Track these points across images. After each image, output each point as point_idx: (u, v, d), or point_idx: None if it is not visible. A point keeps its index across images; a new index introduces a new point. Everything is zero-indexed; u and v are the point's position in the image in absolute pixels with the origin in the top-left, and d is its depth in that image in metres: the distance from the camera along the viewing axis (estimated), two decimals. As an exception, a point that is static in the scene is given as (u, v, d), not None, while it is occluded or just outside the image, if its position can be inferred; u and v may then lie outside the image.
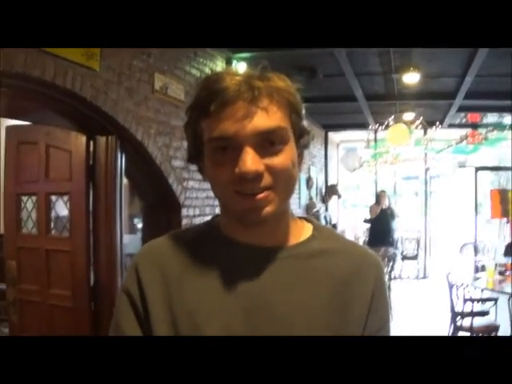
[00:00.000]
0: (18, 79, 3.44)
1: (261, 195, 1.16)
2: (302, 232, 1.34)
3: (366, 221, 12.09)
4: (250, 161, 1.13)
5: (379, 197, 11.66)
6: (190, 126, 1.24)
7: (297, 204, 11.10)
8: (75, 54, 3.84)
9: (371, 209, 11.52)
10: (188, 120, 1.25)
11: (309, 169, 12.14)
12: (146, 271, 1.28)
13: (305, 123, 1.28)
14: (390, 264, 9.07)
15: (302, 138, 1.27)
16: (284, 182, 1.19)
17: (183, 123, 1.27)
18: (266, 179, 1.16)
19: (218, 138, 1.16)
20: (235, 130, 1.14)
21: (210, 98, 1.15)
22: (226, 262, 1.26)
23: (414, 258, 13.23)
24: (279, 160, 1.17)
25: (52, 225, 4.95)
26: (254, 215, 1.18)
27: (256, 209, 1.17)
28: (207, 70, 6.25)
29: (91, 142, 4.65)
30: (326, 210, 13.12)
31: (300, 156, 1.29)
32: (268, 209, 1.17)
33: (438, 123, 11.53)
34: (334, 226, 11.87)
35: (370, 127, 12.08)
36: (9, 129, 5.17)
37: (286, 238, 1.30)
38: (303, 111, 1.26)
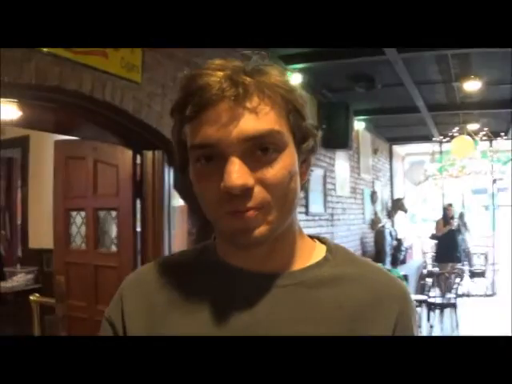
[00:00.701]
0: (54, 92, 3.41)
1: (251, 212, 0.96)
2: (311, 254, 1.13)
3: (432, 237, 11.79)
4: (236, 173, 0.93)
5: (446, 210, 11.38)
6: (175, 131, 1.05)
7: (361, 219, 10.90)
8: (114, 66, 3.80)
9: (437, 224, 11.24)
10: (173, 124, 1.06)
11: (373, 183, 11.93)
12: (131, 301, 1.14)
13: (309, 124, 1.06)
14: (457, 280, 8.76)
15: (305, 143, 1.05)
16: (281, 197, 0.99)
17: None
18: (259, 194, 0.97)
19: (199, 145, 0.98)
20: (218, 135, 0.95)
21: (188, 100, 0.97)
22: (218, 290, 1.08)
23: (482, 274, 12.78)
24: (273, 171, 0.97)
25: (100, 240, 4.94)
26: (246, 237, 0.98)
27: (247, 230, 0.98)
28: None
29: (138, 157, 4.62)
30: (392, 225, 12.84)
31: (305, 162, 1.09)
32: (262, 230, 0.98)
33: (503, 134, 11.15)
34: (400, 241, 11.59)
35: (435, 139, 11.81)
36: (57, 143, 5.21)
37: (290, 261, 1.10)
38: (305, 109, 1.05)
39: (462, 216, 13.37)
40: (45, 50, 3.22)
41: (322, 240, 1.18)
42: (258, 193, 0.96)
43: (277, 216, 1.00)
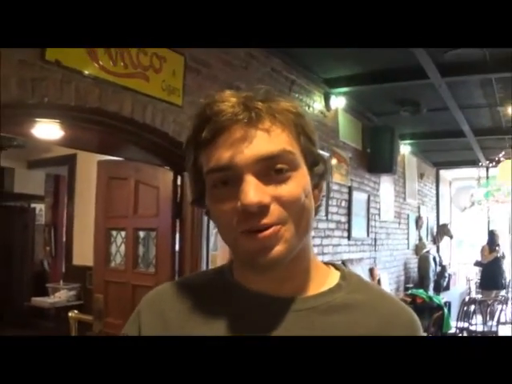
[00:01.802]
0: (94, 114, 3.47)
1: (268, 231, 0.98)
2: (325, 280, 1.15)
3: (477, 264, 11.60)
4: (253, 191, 0.96)
5: (493, 236, 11.19)
6: (189, 161, 1.09)
7: (405, 244, 10.78)
8: (155, 89, 3.86)
9: (483, 250, 11.05)
10: (187, 156, 1.10)
11: (419, 208, 11.80)
12: (148, 318, 1.18)
13: (318, 150, 1.10)
14: (500, 307, 8.59)
15: (316, 166, 1.09)
16: (296, 214, 1.01)
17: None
18: (274, 212, 0.99)
19: (215, 169, 1.01)
20: (232, 157, 0.98)
21: (203, 126, 1.01)
22: (232, 313, 1.10)
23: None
24: (287, 188, 1.00)
25: (139, 260, 4.98)
26: (262, 257, 1.00)
27: (265, 249, 0.99)
28: (304, 106, 6.16)
29: (179, 178, 4.66)
30: (437, 250, 12.66)
31: (317, 188, 1.11)
32: (278, 248, 0.99)
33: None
34: (444, 268, 11.42)
35: (481, 164, 11.65)
36: (100, 163, 5.29)
37: (304, 286, 1.12)
38: (315, 135, 1.10)
39: None
40: (84, 71, 3.28)
41: (336, 267, 1.21)
42: (274, 210, 0.99)
43: (293, 234, 1.02)
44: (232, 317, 1.10)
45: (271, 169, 1.00)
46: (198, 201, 1.12)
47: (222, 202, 1.01)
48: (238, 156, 0.98)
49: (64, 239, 8.40)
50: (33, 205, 9.72)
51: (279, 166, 1.00)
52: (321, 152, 1.12)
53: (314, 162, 1.08)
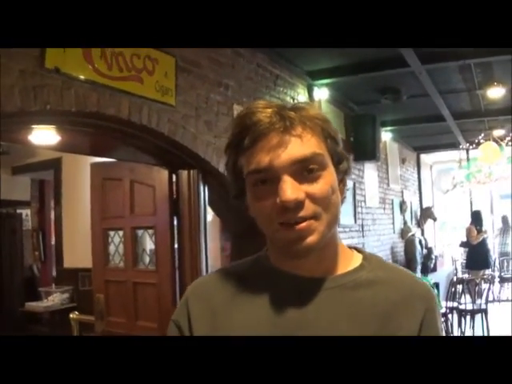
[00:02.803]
0: (93, 118, 3.53)
1: (303, 224, 1.14)
2: (350, 262, 1.31)
3: (464, 245, 11.74)
4: (290, 189, 1.12)
5: (478, 215, 11.34)
6: (230, 164, 1.25)
7: (391, 229, 10.91)
8: (150, 91, 3.92)
9: (470, 231, 11.16)
10: (227, 159, 1.26)
11: (402, 192, 11.91)
12: (196, 305, 1.30)
13: (341, 149, 1.26)
14: (488, 286, 8.73)
15: (340, 164, 1.25)
16: (326, 208, 1.17)
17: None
18: (308, 207, 1.14)
19: (255, 170, 1.16)
20: (271, 160, 1.14)
21: (244, 134, 1.17)
22: (272, 293, 1.25)
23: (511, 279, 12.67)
24: (318, 186, 1.16)
25: (138, 258, 5.04)
26: (298, 246, 1.15)
27: (300, 239, 1.15)
28: (288, 99, 6.25)
29: (174, 176, 4.73)
30: (422, 234, 12.80)
31: (342, 183, 1.27)
32: (312, 238, 1.15)
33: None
34: (430, 250, 11.54)
35: (461, 147, 11.78)
36: (94, 166, 5.32)
37: (333, 267, 1.27)
38: (339, 137, 1.25)
39: (505, 220, 13.31)
40: (82, 77, 3.35)
41: (358, 250, 1.38)
42: (308, 205, 1.15)
43: (324, 226, 1.18)
44: (271, 297, 1.24)
45: (304, 169, 1.15)
46: (238, 196, 1.27)
47: (263, 199, 1.17)
48: (276, 159, 1.13)
49: (53, 243, 8.40)
50: (19, 210, 9.67)
51: (311, 166, 1.16)
52: (342, 150, 1.27)
53: (339, 161, 1.25)
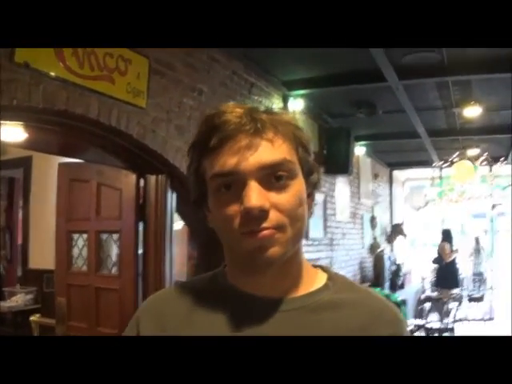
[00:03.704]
0: (61, 116, 3.45)
1: (266, 232, 1.05)
2: (314, 282, 1.22)
3: (436, 261, 11.73)
4: (255, 196, 1.03)
5: (449, 234, 11.40)
6: (193, 166, 1.15)
7: (360, 244, 10.90)
8: (121, 92, 3.85)
9: (443, 248, 11.16)
10: (190, 160, 1.17)
11: (372, 208, 11.92)
12: (147, 324, 1.22)
13: (312, 160, 1.18)
14: (456, 305, 8.76)
15: (311, 175, 1.17)
16: (292, 220, 1.08)
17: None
18: (273, 217, 1.06)
19: (220, 173, 1.08)
20: (238, 163, 1.05)
21: (210, 134, 1.08)
22: (226, 314, 1.16)
23: (480, 299, 12.72)
24: (286, 196, 1.08)
25: (102, 263, 4.96)
26: (261, 256, 1.06)
27: (262, 248, 1.06)
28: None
29: (141, 181, 4.66)
30: (391, 250, 12.82)
31: (310, 197, 1.19)
32: (275, 249, 1.07)
33: (503, 159, 11.14)
34: (399, 267, 11.55)
35: (435, 164, 11.83)
36: (61, 166, 5.24)
37: (294, 287, 1.18)
38: (311, 147, 1.18)
39: (477, 240, 13.39)
40: (52, 74, 3.27)
41: (324, 269, 1.28)
42: (273, 215, 1.06)
43: (288, 239, 1.09)
44: (226, 318, 1.15)
45: (272, 176, 1.07)
46: (198, 202, 1.18)
47: (225, 206, 1.08)
48: (243, 163, 1.05)
49: (20, 243, 8.28)
50: (-14, 208, 9.54)
51: (280, 173, 1.07)
52: (313, 161, 1.19)
53: (309, 172, 1.16)
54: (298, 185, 1.11)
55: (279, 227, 1.06)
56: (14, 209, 8.85)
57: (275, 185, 1.07)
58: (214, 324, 1.15)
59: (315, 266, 1.28)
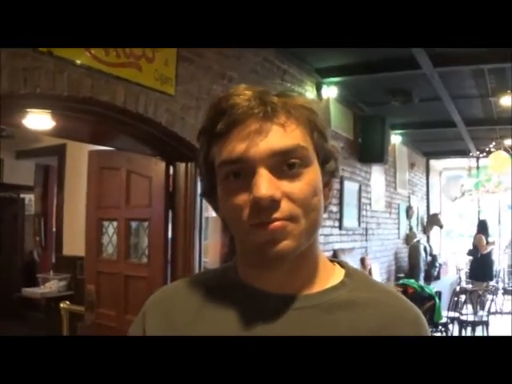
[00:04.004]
0: (87, 104, 3.43)
1: (277, 223, 0.97)
2: (330, 278, 1.14)
3: (470, 253, 11.55)
4: (266, 185, 0.95)
5: (485, 225, 11.20)
6: (201, 153, 1.08)
7: (396, 234, 10.79)
8: (148, 79, 3.82)
9: (479, 240, 10.95)
10: (199, 148, 1.09)
11: (409, 197, 11.80)
12: (153, 320, 1.16)
13: (330, 146, 1.09)
14: (491, 298, 8.62)
15: (327, 163, 1.09)
16: (305, 211, 1.00)
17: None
18: (285, 207, 0.98)
19: (228, 160, 1.00)
20: (247, 150, 0.98)
21: (218, 118, 1.00)
22: (237, 311, 1.09)
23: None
24: (299, 185, 1.00)
25: (131, 250, 4.95)
26: (272, 249, 0.98)
27: (273, 241, 0.98)
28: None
29: (171, 168, 4.63)
30: (427, 240, 12.67)
31: (327, 186, 1.11)
32: (287, 242, 0.99)
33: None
34: (435, 258, 11.43)
35: (471, 154, 11.65)
36: (92, 153, 5.25)
37: (308, 283, 1.10)
38: (328, 132, 1.09)
39: None
40: (77, 61, 3.25)
41: (341, 264, 1.19)
42: (285, 206, 0.98)
43: (301, 231, 1.01)
44: (236, 315, 1.09)
45: (284, 163, 0.99)
46: (208, 194, 1.11)
47: (234, 195, 1.01)
48: (253, 149, 0.98)
49: (54, 229, 8.35)
50: (22, 195, 9.65)
51: (292, 160, 0.99)
52: (331, 147, 1.11)
53: (325, 159, 1.08)
54: (313, 173, 1.03)
55: (292, 218, 0.99)
56: (48, 196, 8.93)
57: (287, 173, 0.99)
58: (224, 322, 1.09)
59: (332, 261, 1.20)
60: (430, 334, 1.17)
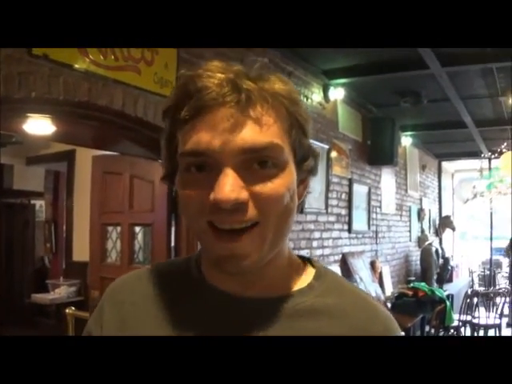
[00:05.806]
0: (84, 108, 3.40)
1: (239, 241, 0.88)
2: (299, 278, 1.05)
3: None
4: (230, 186, 0.85)
5: None
6: (164, 135, 0.97)
7: (407, 237, 10.70)
8: (147, 82, 3.79)
9: None
10: (164, 128, 0.97)
11: (421, 200, 11.69)
12: (109, 310, 1.08)
13: (309, 143, 0.99)
14: (503, 300, 8.54)
15: (305, 161, 0.98)
16: (276, 217, 0.90)
17: None
18: (251, 211, 0.88)
19: (192, 152, 0.88)
20: (214, 143, 0.86)
21: (183, 101, 0.88)
22: (194, 311, 1.01)
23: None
24: (270, 187, 0.89)
25: (134, 255, 4.93)
26: (233, 265, 0.91)
27: (235, 257, 0.89)
28: (302, 98, 6.08)
29: (174, 172, 4.61)
30: (440, 243, 12.56)
31: (303, 183, 1.01)
32: (252, 258, 0.90)
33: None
34: (447, 260, 11.32)
35: (483, 155, 11.52)
36: (95, 158, 5.24)
37: (274, 286, 1.02)
38: (309, 125, 0.98)
39: None
40: (73, 65, 3.22)
41: (313, 263, 1.10)
42: (252, 209, 0.88)
43: (270, 240, 0.92)
44: (191, 317, 1.01)
45: (255, 162, 0.89)
46: (169, 179, 1.00)
47: (194, 189, 0.90)
48: (221, 144, 0.86)
49: (64, 235, 8.35)
50: (33, 201, 9.66)
51: (264, 159, 0.89)
52: (310, 143, 1.00)
53: (303, 157, 0.98)
54: (287, 174, 0.92)
55: (258, 224, 0.90)
56: (59, 202, 8.93)
57: (258, 172, 0.89)
58: (171, 321, 1.01)
59: (304, 259, 1.11)
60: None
